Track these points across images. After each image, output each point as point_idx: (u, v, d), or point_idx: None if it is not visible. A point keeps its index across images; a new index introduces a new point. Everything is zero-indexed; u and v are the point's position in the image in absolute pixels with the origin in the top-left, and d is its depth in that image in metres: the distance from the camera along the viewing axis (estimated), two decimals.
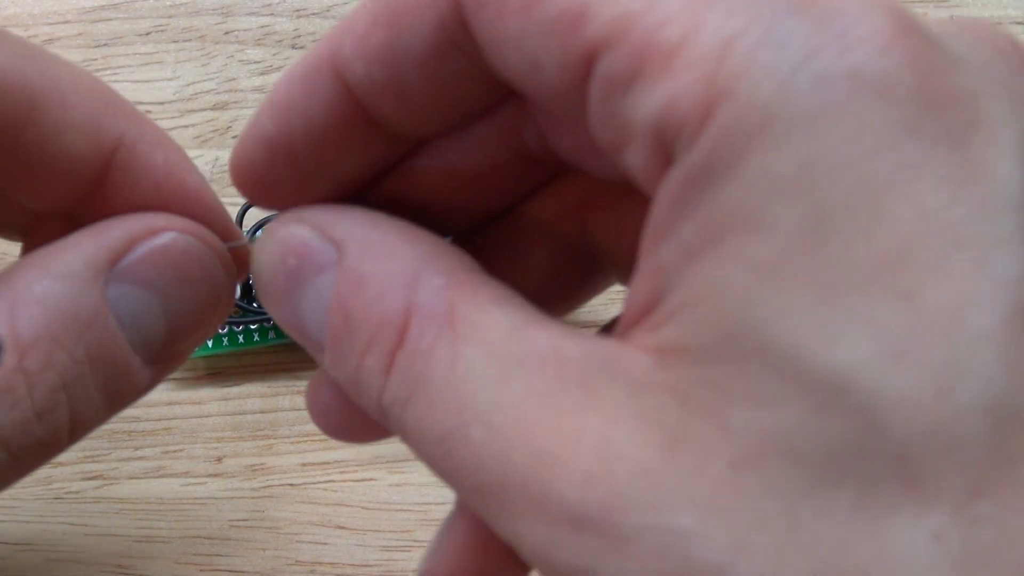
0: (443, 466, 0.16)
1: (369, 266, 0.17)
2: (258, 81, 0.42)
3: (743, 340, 0.14)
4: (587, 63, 0.15)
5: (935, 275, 0.13)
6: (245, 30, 0.42)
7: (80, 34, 0.42)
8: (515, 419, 0.15)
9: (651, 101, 0.14)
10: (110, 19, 0.42)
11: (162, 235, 0.19)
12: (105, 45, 0.42)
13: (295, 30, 0.42)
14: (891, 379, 0.13)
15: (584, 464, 0.14)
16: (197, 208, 0.21)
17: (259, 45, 0.42)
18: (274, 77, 0.42)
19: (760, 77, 0.14)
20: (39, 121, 0.19)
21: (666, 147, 0.15)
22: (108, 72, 0.42)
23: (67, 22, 0.42)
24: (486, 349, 0.16)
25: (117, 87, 0.42)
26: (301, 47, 0.42)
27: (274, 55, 0.42)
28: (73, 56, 0.42)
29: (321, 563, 0.37)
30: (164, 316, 0.19)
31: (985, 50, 0.15)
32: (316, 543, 0.37)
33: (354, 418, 0.20)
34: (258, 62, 0.42)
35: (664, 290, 0.15)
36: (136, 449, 0.38)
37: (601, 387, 0.15)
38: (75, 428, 0.19)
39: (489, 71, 0.17)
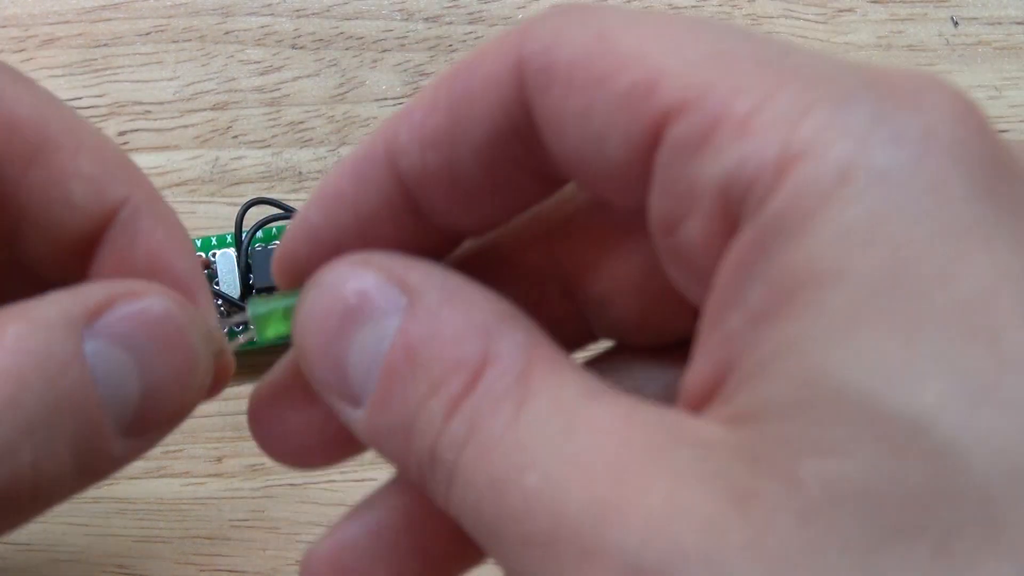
0: (490, 515, 0.15)
1: (448, 312, 0.17)
2: (258, 81, 0.42)
3: (815, 390, 0.13)
4: (656, 131, 0.15)
5: (1015, 320, 0.13)
6: (245, 30, 0.42)
7: (80, 34, 0.42)
8: (574, 469, 0.14)
9: (722, 162, 0.14)
10: (110, 19, 0.42)
11: (143, 298, 0.19)
12: (105, 45, 0.42)
13: (295, 30, 0.42)
14: (974, 420, 0.13)
15: (646, 516, 0.14)
16: (183, 290, 0.20)
17: (259, 45, 0.42)
18: (274, 77, 0.42)
19: (836, 136, 0.14)
20: (47, 163, 0.19)
21: (732, 211, 0.15)
22: (108, 72, 0.42)
23: (67, 22, 0.42)
24: (555, 404, 0.15)
25: (117, 87, 0.42)
26: (301, 47, 0.42)
27: (274, 55, 0.42)
28: (73, 56, 0.42)
29: None
30: (139, 380, 0.19)
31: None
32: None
33: (308, 437, 0.20)
34: (258, 62, 0.42)
35: (733, 360, 0.15)
36: None
37: (669, 450, 0.14)
38: (38, 484, 0.18)
39: (544, 162, 0.17)
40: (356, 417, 0.17)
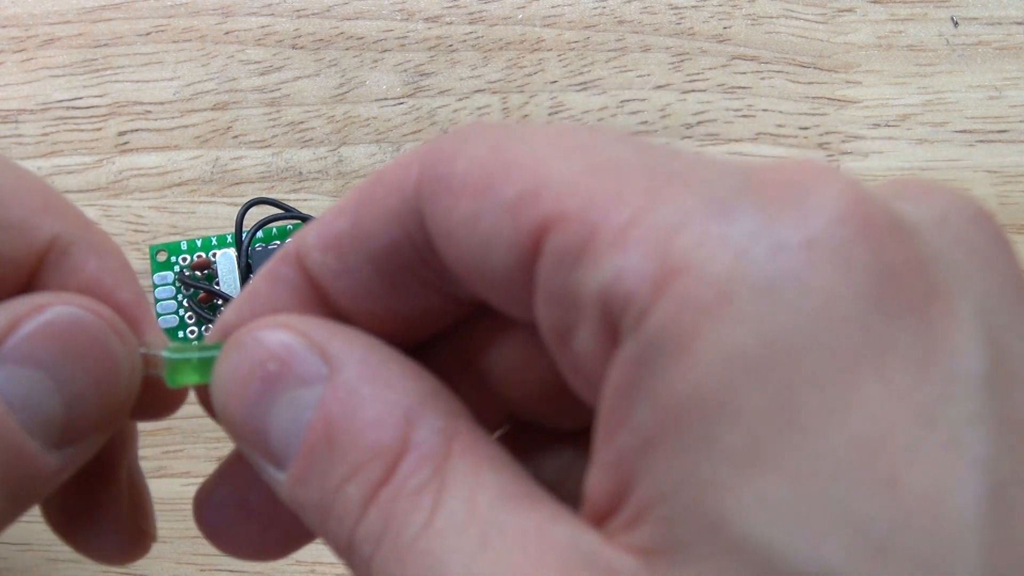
0: None
1: (368, 390, 0.17)
2: (258, 81, 0.42)
3: (719, 537, 0.13)
4: (536, 240, 0.15)
5: (911, 460, 0.13)
6: (245, 30, 0.42)
7: (80, 34, 0.42)
8: None
9: (599, 274, 0.14)
10: (110, 19, 0.42)
11: (47, 310, 0.18)
12: (105, 45, 0.42)
13: (295, 30, 0.42)
14: (878, 575, 0.12)
15: None
16: (125, 318, 0.20)
17: (259, 45, 0.42)
18: (274, 77, 0.42)
19: (715, 249, 0.13)
20: None
21: (613, 324, 0.14)
22: (108, 72, 0.42)
23: (67, 22, 0.42)
24: (471, 509, 0.15)
25: (117, 87, 0.42)
26: (301, 47, 0.42)
27: (274, 55, 0.42)
28: (73, 56, 0.42)
29: (321, 563, 0.37)
30: (59, 393, 0.18)
31: (937, 204, 0.15)
32: (316, 543, 0.37)
33: (254, 532, 0.20)
34: (258, 62, 0.42)
35: (628, 481, 0.14)
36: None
37: None
38: None
39: (442, 277, 0.17)
40: (279, 480, 0.17)
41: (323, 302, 0.18)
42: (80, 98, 0.41)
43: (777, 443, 0.13)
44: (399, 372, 0.17)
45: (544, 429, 0.20)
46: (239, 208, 0.39)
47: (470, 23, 0.43)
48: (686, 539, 0.13)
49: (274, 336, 0.17)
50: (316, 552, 0.37)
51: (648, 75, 0.42)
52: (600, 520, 0.15)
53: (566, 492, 0.19)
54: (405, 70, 0.42)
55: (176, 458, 0.38)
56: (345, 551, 0.16)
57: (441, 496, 0.15)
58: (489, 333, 0.19)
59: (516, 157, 0.16)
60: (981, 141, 0.41)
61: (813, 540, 0.13)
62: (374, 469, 0.16)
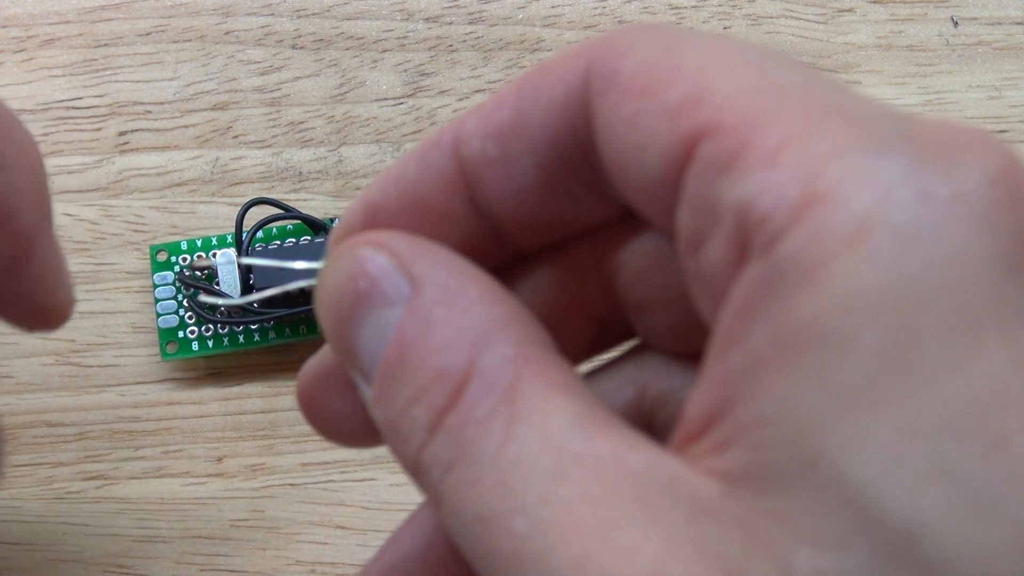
0: (476, 546, 0.15)
1: (441, 313, 0.17)
2: (258, 81, 0.42)
3: (815, 470, 0.13)
4: (690, 146, 0.15)
5: None
6: (245, 30, 0.42)
7: (80, 34, 0.42)
8: (564, 518, 0.14)
9: (742, 188, 0.14)
10: (110, 19, 0.42)
11: None
12: (105, 45, 0.42)
13: (295, 30, 0.42)
14: (971, 533, 0.12)
15: None
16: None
17: (259, 45, 0.42)
18: (274, 77, 0.42)
19: (860, 185, 0.13)
20: None
21: (744, 241, 0.14)
22: (108, 72, 0.42)
23: (67, 22, 0.42)
24: (544, 437, 0.15)
25: (117, 87, 0.42)
26: (301, 47, 0.42)
27: (274, 55, 0.42)
28: (73, 56, 0.42)
29: (321, 563, 0.37)
30: None
31: None
32: (316, 543, 0.37)
33: (357, 420, 0.20)
34: (258, 62, 0.42)
35: (730, 401, 0.14)
36: (136, 449, 0.38)
37: (662, 507, 0.14)
38: None
39: (597, 174, 0.17)
40: (368, 395, 0.18)
41: (469, 194, 0.18)
42: (80, 98, 0.41)
43: (890, 385, 0.13)
44: (476, 296, 0.17)
45: (658, 349, 0.20)
46: (239, 208, 0.39)
47: (470, 23, 0.43)
48: (778, 468, 0.13)
49: (367, 254, 0.18)
50: (316, 552, 0.37)
51: None
52: (689, 441, 0.15)
53: (666, 418, 0.19)
54: (405, 70, 0.42)
55: (176, 458, 0.38)
56: (413, 471, 0.17)
57: (512, 424, 0.15)
58: (624, 237, 0.19)
59: (684, 63, 0.16)
60: None
61: (912, 488, 0.13)
62: (438, 394, 0.16)
